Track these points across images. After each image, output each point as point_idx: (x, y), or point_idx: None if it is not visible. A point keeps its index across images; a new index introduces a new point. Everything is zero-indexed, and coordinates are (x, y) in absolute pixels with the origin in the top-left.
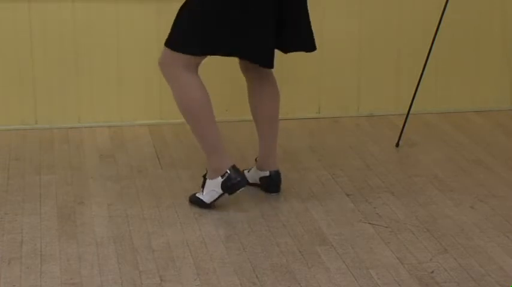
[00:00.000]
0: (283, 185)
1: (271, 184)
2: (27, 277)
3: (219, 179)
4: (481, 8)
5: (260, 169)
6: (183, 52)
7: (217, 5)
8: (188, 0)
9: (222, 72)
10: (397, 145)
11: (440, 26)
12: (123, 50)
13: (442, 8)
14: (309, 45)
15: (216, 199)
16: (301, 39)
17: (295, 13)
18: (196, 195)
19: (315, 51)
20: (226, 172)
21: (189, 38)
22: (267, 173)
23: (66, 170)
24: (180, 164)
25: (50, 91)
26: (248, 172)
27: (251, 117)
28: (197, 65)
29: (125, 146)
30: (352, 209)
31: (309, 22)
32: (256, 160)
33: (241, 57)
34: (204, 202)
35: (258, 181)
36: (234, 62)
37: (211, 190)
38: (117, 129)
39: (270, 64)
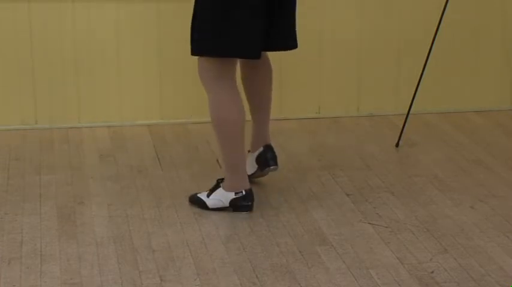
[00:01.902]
0: (283, 185)
1: (268, 158)
2: (27, 277)
3: (231, 195)
4: (481, 8)
5: (254, 150)
6: (214, 55)
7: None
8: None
9: None
10: (397, 145)
11: (440, 26)
12: (123, 50)
13: (442, 8)
14: (291, 42)
15: (219, 208)
16: (288, 37)
17: (286, 10)
18: (199, 195)
19: (296, 48)
20: (242, 192)
21: (209, 38)
22: (261, 150)
23: (66, 170)
24: (180, 164)
25: (50, 91)
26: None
27: (249, 117)
28: (233, 70)
29: (125, 146)
30: (352, 209)
31: (295, 19)
32: (248, 151)
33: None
34: (205, 204)
35: (255, 166)
36: None
37: (219, 199)
38: (117, 129)
39: (258, 55)
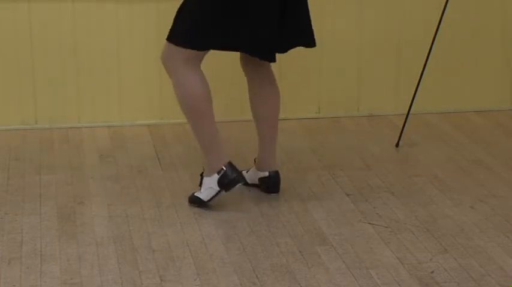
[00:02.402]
0: (283, 185)
1: (270, 185)
2: (27, 277)
3: (216, 176)
4: (481, 8)
5: (259, 169)
6: (183, 46)
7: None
8: None
9: (220, 72)
10: (397, 145)
11: (440, 26)
12: (123, 50)
13: (442, 8)
14: (309, 41)
15: (214, 196)
16: (301, 35)
17: (297, 10)
18: (195, 194)
19: (315, 47)
20: (222, 168)
21: (189, 32)
22: (266, 174)
23: (66, 170)
24: (180, 164)
25: (50, 91)
26: (247, 172)
27: (249, 117)
28: (199, 60)
29: (125, 146)
30: (352, 209)
31: (309, 18)
32: (255, 160)
33: (239, 50)
34: (201, 199)
35: (256, 182)
36: (231, 61)
37: (209, 187)
38: (117, 129)
39: (270, 57)
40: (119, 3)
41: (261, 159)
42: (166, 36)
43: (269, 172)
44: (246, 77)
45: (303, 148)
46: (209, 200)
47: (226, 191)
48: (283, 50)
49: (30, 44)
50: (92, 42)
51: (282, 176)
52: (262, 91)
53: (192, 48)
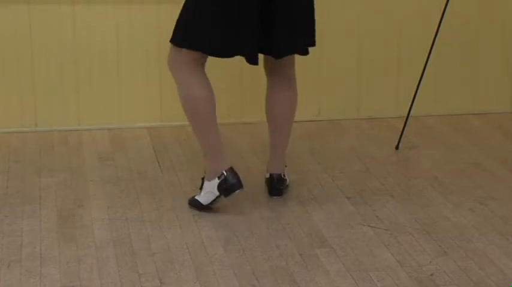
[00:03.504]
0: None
1: (271, 187)
2: (27, 280)
3: (216, 181)
4: (481, 11)
5: (267, 170)
6: (180, 45)
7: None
8: None
9: (220, 74)
10: (397, 147)
11: (440, 29)
12: (123, 53)
13: (441, 11)
14: (302, 46)
15: (213, 201)
16: (291, 41)
17: (286, 13)
18: (195, 197)
19: (314, 46)
20: (223, 173)
21: (184, 31)
22: (268, 176)
23: (65, 173)
24: (180, 166)
25: (50, 94)
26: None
27: (250, 120)
28: (202, 63)
29: (124, 149)
30: (351, 211)
31: (307, 21)
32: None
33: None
34: (200, 203)
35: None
36: (232, 64)
37: (208, 192)
38: (117, 131)
39: (251, 60)
40: (119, 6)
41: (269, 160)
42: (166, 39)
43: (271, 174)
44: (267, 80)
45: (303, 151)
46: (208, 204)
47: (225, 196)
48: (277, 54)
49: (31, 46)
50: (92, 44)
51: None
52: (278, 96)
53: (187, 47)
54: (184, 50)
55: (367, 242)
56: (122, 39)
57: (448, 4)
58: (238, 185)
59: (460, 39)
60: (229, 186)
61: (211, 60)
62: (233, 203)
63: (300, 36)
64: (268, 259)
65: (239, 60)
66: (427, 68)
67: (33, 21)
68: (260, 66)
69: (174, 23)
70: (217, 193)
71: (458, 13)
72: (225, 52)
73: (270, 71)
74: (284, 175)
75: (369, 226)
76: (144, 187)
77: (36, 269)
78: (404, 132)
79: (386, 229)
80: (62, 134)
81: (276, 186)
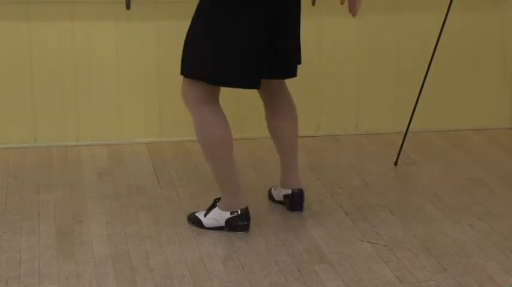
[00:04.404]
0: (282, 203)
1: (292, 202)
2: None
3: (227, 214)
4: (479, 27)
5: (283, 186)
6: (192, 77)
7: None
8: (194, 22)
9: (221, 91)
10: (396, 163)
11: (439, 45)
12: (122, 68)
13: (440, 27)
14: (292, 72)
15: (215, 228)
16: (289, 67)
17: (288, 41)
18: (196, 214)
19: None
20: (237, 211)
21: (195, 62)
22: (289, 191)
23: (64, 189)
24: (179, 182)
25: (49, 109)
26: (274, 189)
27: (248, 135)
28: (216, 94)
29: (123, 164)
30: (351, 227)
31: (298, 48)
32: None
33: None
34: (202, 223)
35: (282, 199)
36: None
37: (215, 219)
38: (116, 147)
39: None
40: (118, 22)
41: (283, 177)
42: (165, 55)
43: (292, 190)
44: (261, 99)
45: (302, 166)
46: (209, 228)
47: (228, 230)
48: (285, 74)
49: (30, 62)
50: (91, 60)
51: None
52: (278, 112)
53: (201, 79)
54: (199, 83)
55: (367, 258)
56: (121, 55)
57: (447, 20)
58: (246, 227)
59: (458, 55)
60: (237, 225)
61: None
62: None
63: (295, 54)
64: (267, 275)
65: None
66: (425, 83)
67: (33, 37)
68: None
69: (175, 39)
70: (223, 225)
71: (457, 29)
72: (252, 82)
73: (269, 95)
74: (302, 189)
75: (368, 241)
76: (143, 203)
77: (35, 286)
78: (403, 148)
79: (385, 245)
80: (61, 149)
81: (299, 201)
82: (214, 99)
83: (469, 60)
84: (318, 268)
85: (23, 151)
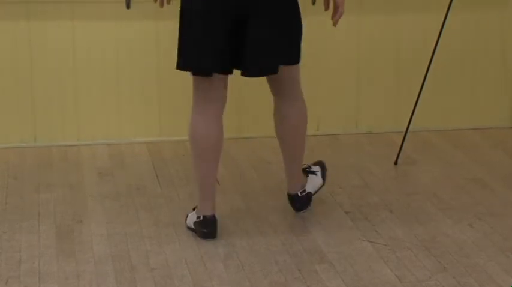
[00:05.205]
0: (281, 203)
1: (291, 204)
2: None
3: (195, 216)
4: (480, 26)
5: (287, 186)
6: (178, 68)
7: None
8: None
9: None
10: (396, 162)
11: (439, 44)
12: (122, 68)
13: (440, 26)
14: (265, 70)
15: (190, 229)
16: (261, 62)
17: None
18: (189, 214)
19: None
20: (200, 217)
21: (179, 53)
22: (288, 195)
23: (64, 188)
24: (179, 182)
25: (49, 109)
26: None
27: (247, 135)
28: (205, 89)
29: (123, 164)
30: (351, 227)
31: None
32: None
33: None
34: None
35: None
36: (233, 80)
37: (190, 219)
38: (116, 147)
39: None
40: (119, 22)
41: (286, 178)
42: (164, 54)
43: (288, 194)
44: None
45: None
46: (189, 227)
47: (198, 236)
48: (245, 73)
49: (30, 62)
50: (91, 60)
51: (280, 194)
52: (282, 110)
53: (181, 69)
54: (192, 77)
55: (367, 258)
56: (121, 54)
57: (447, 20)
58: (206, 235)
59: (458, 55)
60: (198, 230)
61: None
62: (232, 219)
63: (272, 56)
64: (268, 274)
65: (237, 75)
66: (425, 83)
67: (33, 36)
68: (259, 81)
69: (175, 39)
70: (193, 227)
71: (457, 29)
72: (206, 69)
73: (271, 90)
74: (302, 192)
75: (368, 241)
76: (143, 202)
77: (35, 285)
78: (403, 147)
79: (385, 245)
80: (61, 149)
81: (295, 205)
82: (207, 98)
83: (469, 60)
84: (318, 268)
85: (23, 150)
